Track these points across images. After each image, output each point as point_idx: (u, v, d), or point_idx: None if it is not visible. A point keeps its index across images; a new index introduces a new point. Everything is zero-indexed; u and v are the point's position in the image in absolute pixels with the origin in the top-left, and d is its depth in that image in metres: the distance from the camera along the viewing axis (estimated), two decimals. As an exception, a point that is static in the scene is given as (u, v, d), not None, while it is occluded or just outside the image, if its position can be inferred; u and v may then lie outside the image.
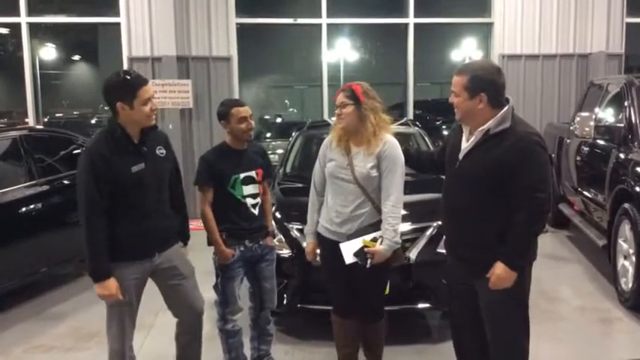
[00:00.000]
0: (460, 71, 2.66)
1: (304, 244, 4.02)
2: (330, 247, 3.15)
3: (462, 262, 2.82)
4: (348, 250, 2.99)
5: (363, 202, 3.04)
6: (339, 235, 3.09)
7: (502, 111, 2.59)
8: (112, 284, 2.72)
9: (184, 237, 3.17)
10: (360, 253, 2.96)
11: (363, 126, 3.03)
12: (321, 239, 3.24)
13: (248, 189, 3.37)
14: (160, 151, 2.91)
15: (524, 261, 2.63)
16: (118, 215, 2.75)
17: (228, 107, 3.35)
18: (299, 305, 4.06)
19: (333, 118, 3.26)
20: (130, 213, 2.77)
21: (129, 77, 2.74)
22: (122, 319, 2.87)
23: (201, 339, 3.20)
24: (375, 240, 2.97)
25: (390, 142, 3.05)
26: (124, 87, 2.71)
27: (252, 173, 3.39)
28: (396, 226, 2.99)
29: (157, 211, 2.86)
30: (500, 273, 2.59)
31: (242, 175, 3.35)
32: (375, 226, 3.03)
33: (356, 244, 2.98)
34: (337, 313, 3.31)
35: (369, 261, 2.95)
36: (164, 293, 3.04)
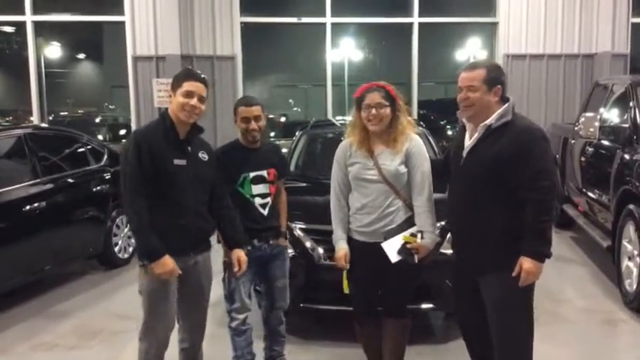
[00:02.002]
0: (475, 66, 2.73)
1: (307, 244, 4.04)
2: (361, 250, 3.10)
3: (468, 259, 2.84)
4: (392, 249, 2.96)
5: (394, 199, 3.03)
6: (373, 234, 3.05)
7: (503, 107, 2.67)
8: (168, 260, 2.75)
9: (236, 241, 3.15)
10: (404, 250, 2.94)
11: (393, 126, 3.04)
12: (352, 243, 3.17)
13: (257, 188, 3.33)
14: (203, 155, 2.98)
15: (546, 249, 2.62)
16: (156, 209, 2.78)
17: (237, 105, 3.35)
18: (302, 305, 4.05)
19: (345, 117, 3.23)
20: (166, 209, 2.80)
21: (188, 70, 2.99)
22: (168, 315, 2.88)
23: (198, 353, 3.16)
24: (414, 235, 2.96)
25: (415, 140, 3.08)
26: (177, 77, 2.90)
27: (263, 173, 3.35)
28: (433, 219, 3.01)
29: (193, 210, 2.89)
30: (528, 267, 2.58)
31: (252, 175, 3.32)
32: (408, 222, 3.02)
33: (397, 241, 2.96)
34: (358, 321, 3.30)
35: (415, 257, 2.94)
36: (180, 299, 2.98)
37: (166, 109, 2.93)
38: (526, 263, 2.59)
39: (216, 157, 3.35)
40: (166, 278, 2.78)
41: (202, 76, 2.93)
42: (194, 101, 2.82)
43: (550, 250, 2.64)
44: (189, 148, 2.90)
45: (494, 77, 2.67)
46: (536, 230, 2.58)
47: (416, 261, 2.95)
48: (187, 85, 2.82)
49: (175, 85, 2.85)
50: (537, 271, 2.60)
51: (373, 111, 3.00)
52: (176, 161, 2.83)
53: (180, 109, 2.81)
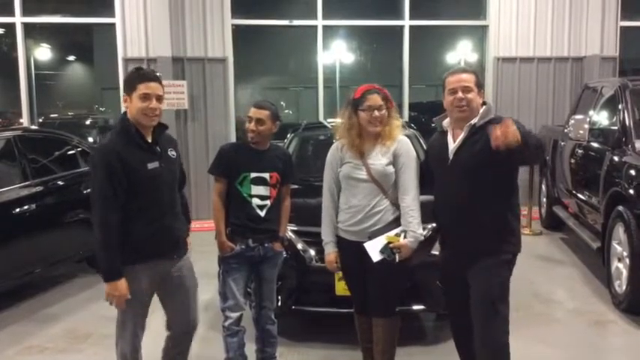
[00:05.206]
0: (467, 70, 2.93)
1: (299, 246, 4.04)
2: (349, 248, 3.18)
3: (461, 255, 2.92)
4: (374, 249, 3.02)
5: (381, 199, 3.10)
6: (359, 234, 3.11)
7: (484, 107, 2.87)
8: (122, 285, 2.71)
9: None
10: (386, 250, 2.99)
11: (385, 128, 3.12)
12: (339, 241, 3.25)
13: (257, 189, 3.35)
14: (172, 153, 2.92)
15: (525, 132, 2.59)
16: (134, 215, 2.73)
17: (250, 107, 3.43)
18: (293, 307, 4.05)
19: (338, 120, 3.29)
20: (146, 213, 2.76)
21: (138, 71, 2.80)
22: (135, 322, 2.87)
23: (187, 355, 3.14)
24: (398, 235, 3.02)
25: (403, 141, 3.15)
26: (129, 79, 2.77)
27: (266, 175, 3.37)
28: (418, 218, 3.05)
29: (170, 211, 2.87)
30: (509, 122, 2.53)
31: (253, 175, 3.34)
32: (396, 222, 3.08)
33: (380, 241, 3.02)
34: (357, 311, 3.39)
35: (396, 256, 2.99)
36: (164, 302, 2.99)
37: (124, 113, 2.80)
38: (509, 120, 2.56)
39: (219, 153, 3.44)
40: (114, 300, 2.74)
41: (156, 73, 2.86)
42: (153, 103, 2.73)
43: (530, 136, 2.63)
44: (158, 149, 2.83)
45: (480, 82, 2.93)
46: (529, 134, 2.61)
47: (397, 260, 2.99)
48: (143, 88, 2.71)
49: (129, 88, 2.73)
50: (513, 132, 2.50)
51: (376, 113, 3.07)
52: (150, 165, 2.75)
53: (140, 114, 2.72)
